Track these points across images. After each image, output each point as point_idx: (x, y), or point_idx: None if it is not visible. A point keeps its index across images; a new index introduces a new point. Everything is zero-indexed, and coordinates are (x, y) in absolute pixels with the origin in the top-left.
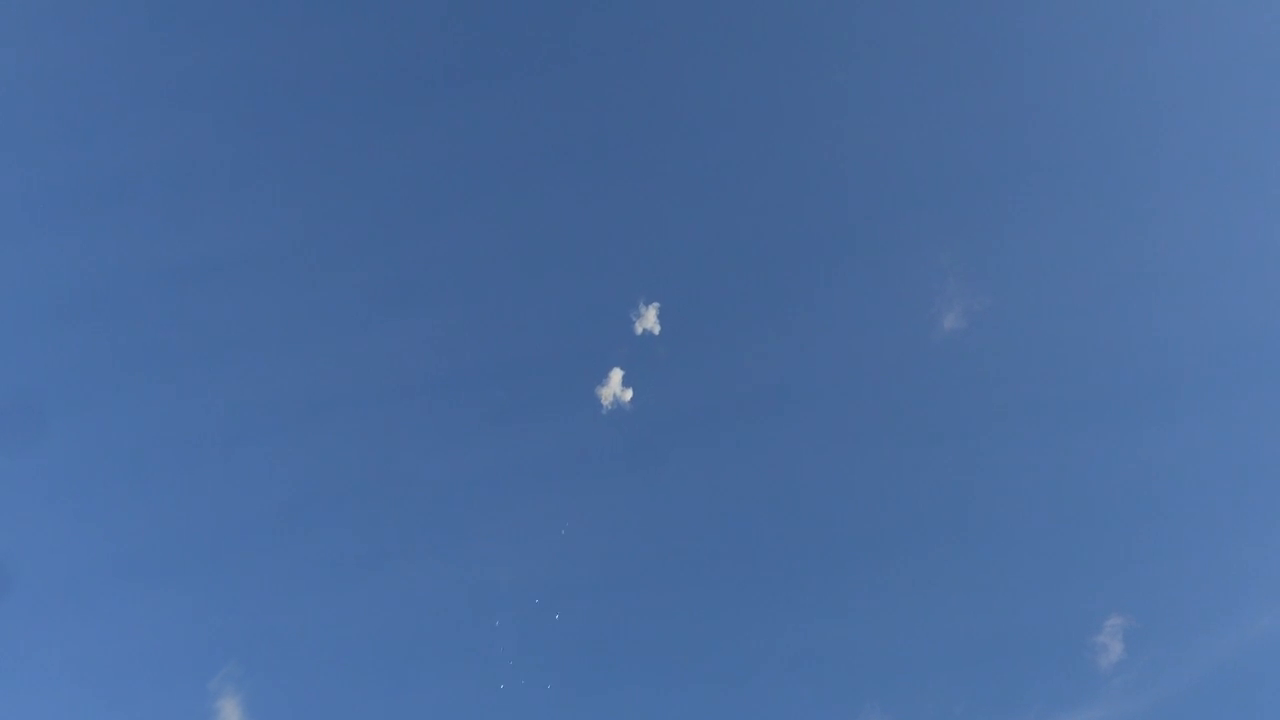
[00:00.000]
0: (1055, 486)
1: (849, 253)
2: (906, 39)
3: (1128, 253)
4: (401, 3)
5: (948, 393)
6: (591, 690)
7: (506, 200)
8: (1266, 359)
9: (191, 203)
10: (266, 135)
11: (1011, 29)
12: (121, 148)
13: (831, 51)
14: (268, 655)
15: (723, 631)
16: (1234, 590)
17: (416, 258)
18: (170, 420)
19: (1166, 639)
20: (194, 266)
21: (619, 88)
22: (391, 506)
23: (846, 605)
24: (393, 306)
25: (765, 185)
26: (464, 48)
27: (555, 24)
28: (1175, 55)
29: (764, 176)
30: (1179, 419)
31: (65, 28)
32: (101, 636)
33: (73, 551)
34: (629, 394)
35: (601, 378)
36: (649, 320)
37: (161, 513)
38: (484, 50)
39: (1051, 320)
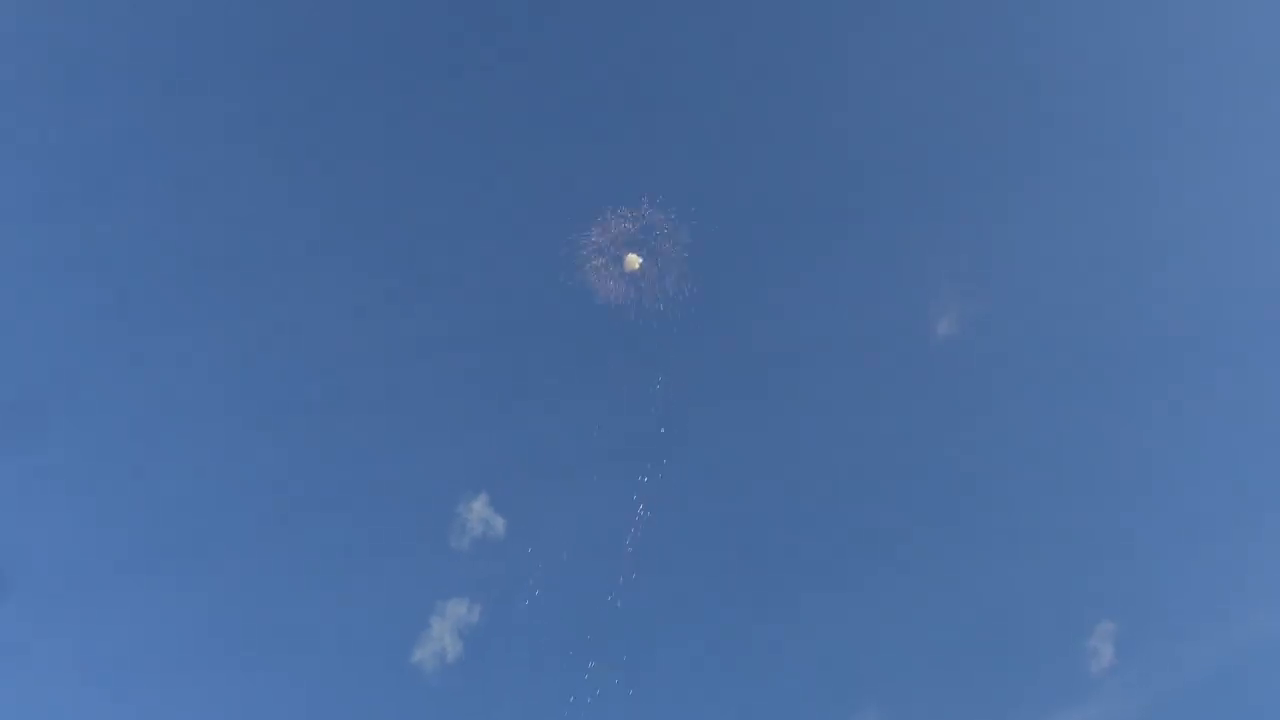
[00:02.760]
0: (1046, 491)
1: (843, 258)
2: (902, 44)
3: (1122, 259)
4: (400, 17)
5: (941, 398)
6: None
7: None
8: (1258, 365)
9: (188, 202)
10: (261, 137)
11: (1007, 34)
12: (121, 145)
13: (827, 57)
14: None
15: (717, 633)
16: (1223, 594)
17: (410, 256)
18: (168, 420)
19: (1156, 643)
20: (191, 264)
21: (614, 85)
22: (391, 503)
23: (841, 608)
24: (390, 303)
25: (760, 188)
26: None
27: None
28: (1172, 60)
29: (758, 178)
30: (1170, 424)
31: (68, 27)
32: (103, 634)
33: (73, 548)
34: None
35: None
36: None
37: (162, 511)
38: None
39: (1045, 326)
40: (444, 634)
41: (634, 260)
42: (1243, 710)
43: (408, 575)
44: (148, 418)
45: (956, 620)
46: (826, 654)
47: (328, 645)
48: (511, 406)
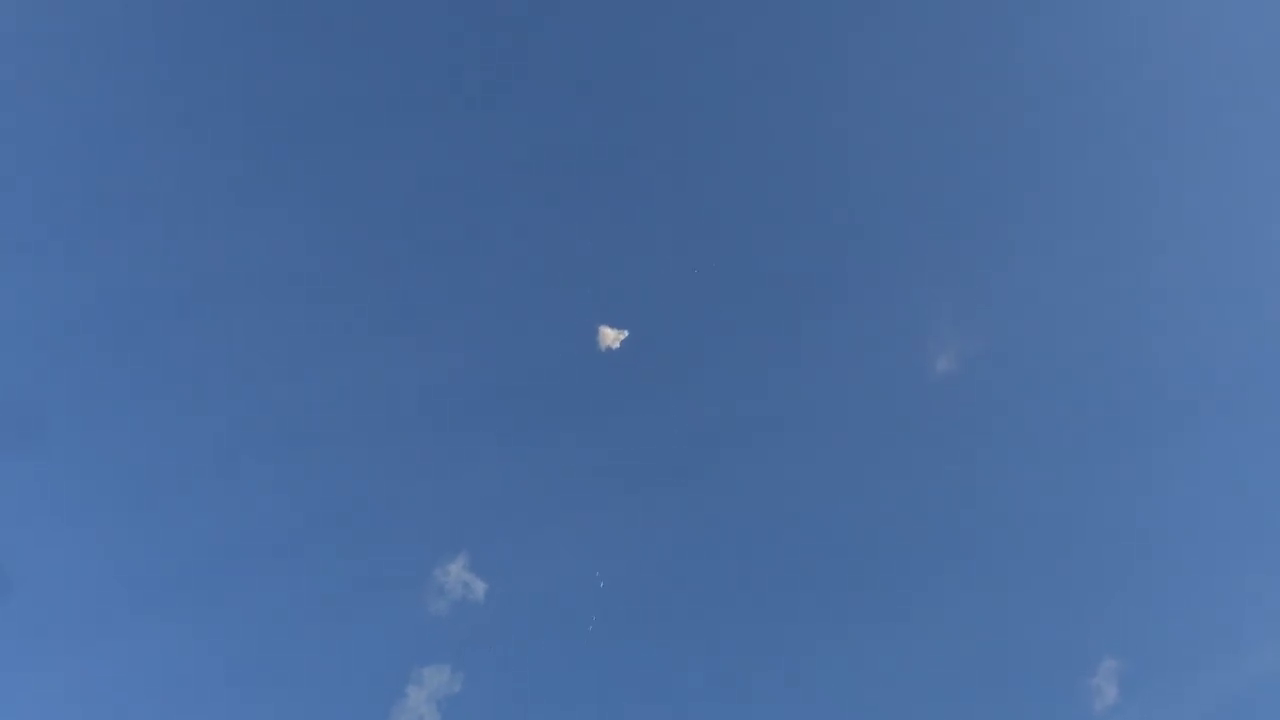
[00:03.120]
0: (1048, 529)
1: (840, 295)
2: (898, 76)
3: (1122, 296)
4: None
5: (940, 435)
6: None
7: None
8: (1259, 402)
9: (193, 223)
10: (264, 159)
11: (1003, 70)
12: (126, 166)
13: (824, 90)
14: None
15: (714, 671)
16: (1228, 629)
17: (415, 280)
18: (172, 440)
19: (1161, 680)
20: (195, 286)
21: (616, 115)
22: (393, 527)
23: (839, 646)
24: (393, 328)
25: (752, 225)
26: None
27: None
28: (1172, 94)
29: (755, 215)
30: (1173, 456)
31: (72, 45)
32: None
33: (76, 572)
34: None
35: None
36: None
37: (165, 533)
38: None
39: (1044, 363)
40: (420, 703)
41: (610, 335)
42: None
43: (383, 641)
44: (150, 438)
45: (959, 658)
46: (824, 695)
47: (301, 715)
48: (493, 464)
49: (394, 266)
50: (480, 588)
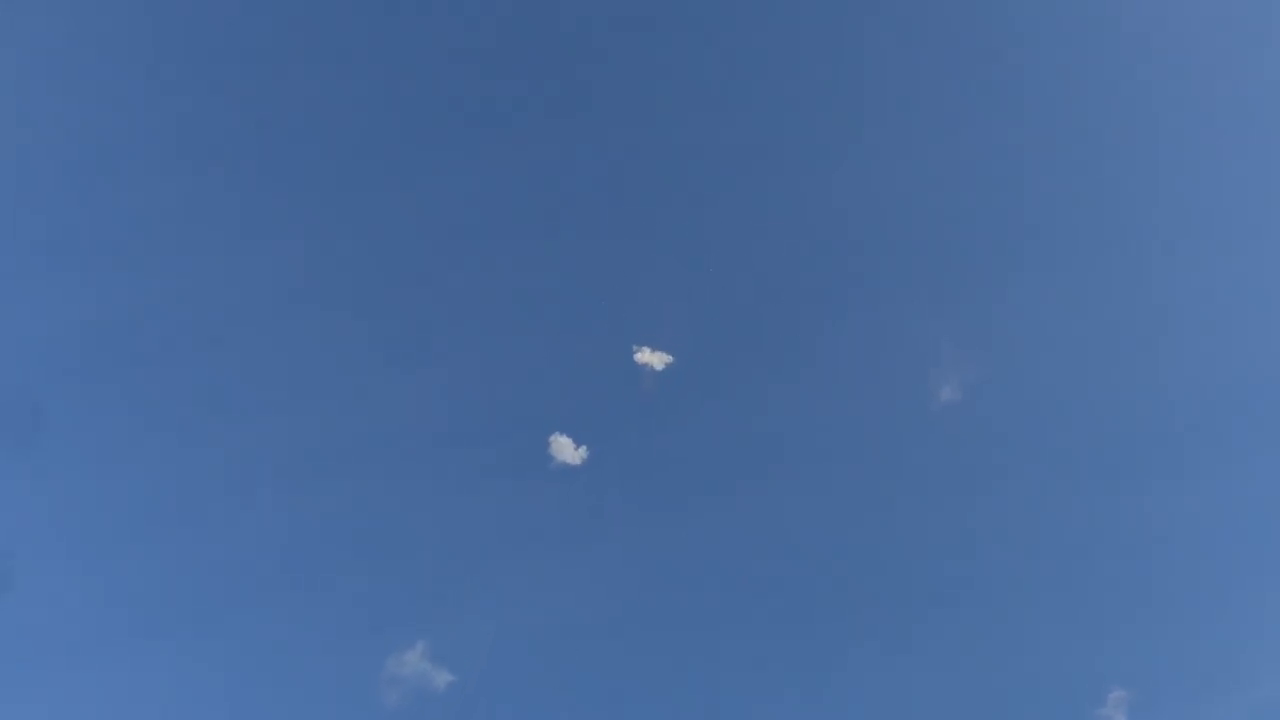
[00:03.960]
0: (1053, 559)
1: (843, 324)
2: (898, 109)
3: (1124, 323)
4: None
5: (945, 464)
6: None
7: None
8: (1266, 424)
9: (198, 250)
10: (271, 182)
11: (1004, 98)
12: (132, 194)
13: (826, 117)
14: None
15: (723, 703)
16: (1235, 658)
17: (415, 308)
18: (177, 470)
19: (1169, 710)
20: (199, 312)
21: (617, 157)
22: (395, 555)
23: (846, 680)
24: (394, 356)
25: (759, 253)
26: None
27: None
28: (1171, 122)
29: (758, 244)
30: (1178, 489)
31: (77, 65)
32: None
33: (79, 593)
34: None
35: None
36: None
37: (170, 562)
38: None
39: (1048, 390)
40: None
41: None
42: None
43: None
44: (155, 466)
45: (967, 689)
46: None
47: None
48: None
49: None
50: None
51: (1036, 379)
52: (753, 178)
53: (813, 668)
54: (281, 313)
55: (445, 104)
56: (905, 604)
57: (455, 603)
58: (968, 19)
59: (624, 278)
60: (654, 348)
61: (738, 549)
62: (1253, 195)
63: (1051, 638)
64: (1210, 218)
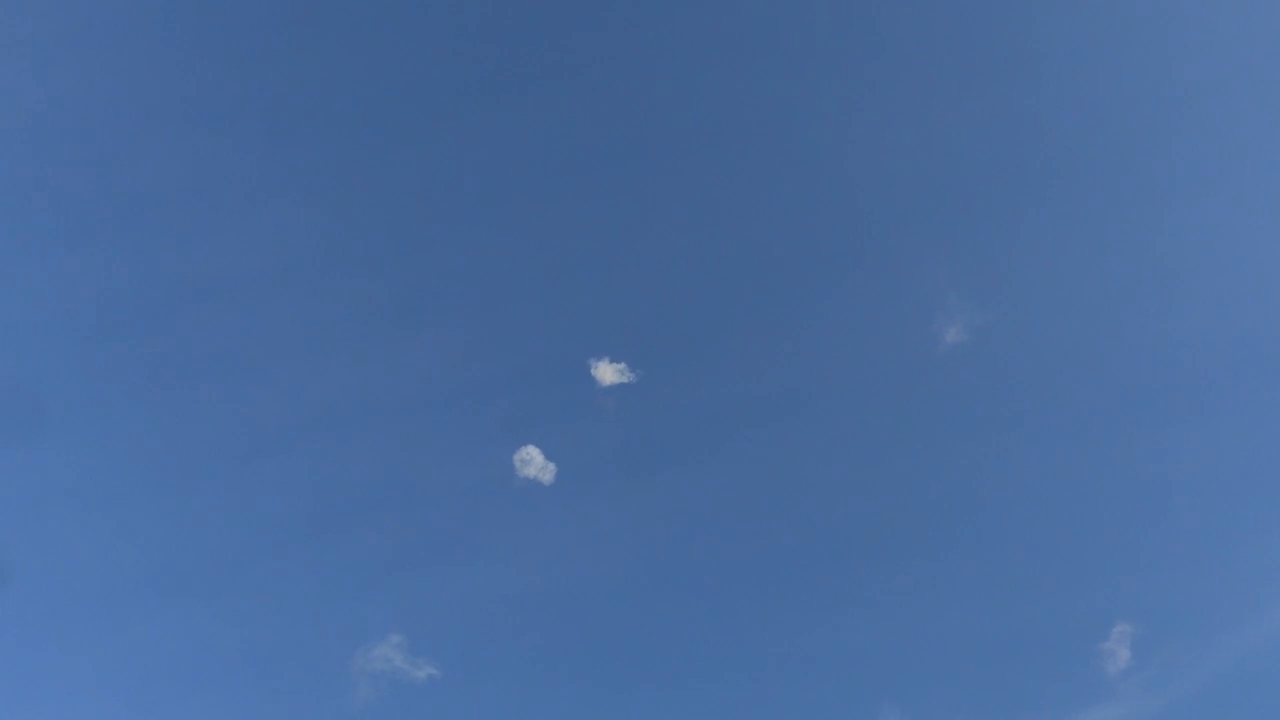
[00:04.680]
0: (1060, 495)
1: (851, 268)
2: (907, 53)
3: (1129, 263)
4: (412, 31)
5: (953, 404)
6: (608, 692)
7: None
8: (1267, 363)
9: (209, 217)
10: (278, 153)
11: (1012, 43)
12: (140, 162)
13: (832, 65)
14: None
15: (739, 635)
16: (1240, 593)
17: (421, 271)
18: (188, 431)
19: (1174, 644)
20: (207, 279)
21: (625, 89)
22: (405, 516)
23: (860, 612)
24: (401, 319)
25: (766, 199)
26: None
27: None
28: (1175, 67)
29: (765, 190)
30: (1181, 424)
31: (81, 43)
32: (119, 648)
33: (90, 562)
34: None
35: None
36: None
37: (179, 524)
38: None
39: (1054, 331)
40: None
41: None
42: (1261, 710)
43: None
44: (166, 429)
45: (974, 624)
46: (847, 657)
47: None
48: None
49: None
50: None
51: (1043, 320)
52: (756, 118)
53: (825, 605)
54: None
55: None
56: (915, 542)
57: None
58: None
59: (632, 214)
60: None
61: (755, 488)
62: (1262, 137)
63: (1057, 573)
64: (1219, 159)
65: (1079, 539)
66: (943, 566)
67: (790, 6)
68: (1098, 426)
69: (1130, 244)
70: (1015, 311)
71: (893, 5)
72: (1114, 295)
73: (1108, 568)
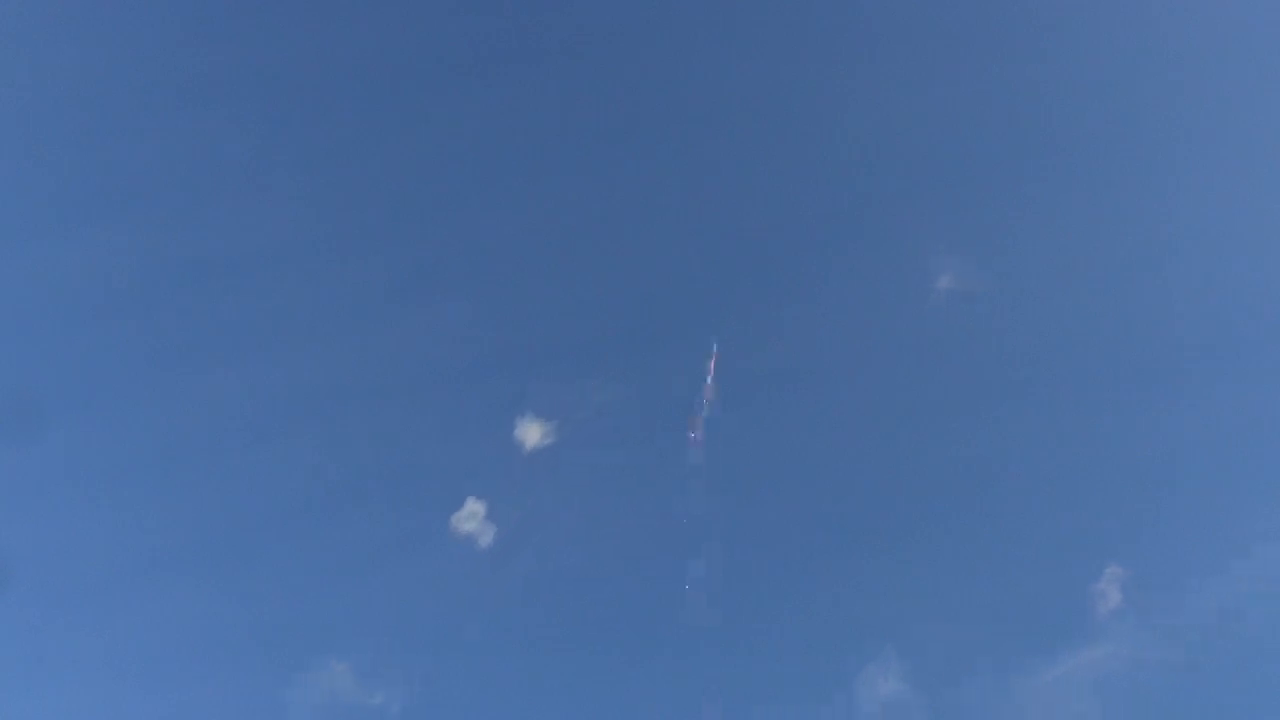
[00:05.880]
0: (1050, 437)
1: (840, 228)
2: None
3: (1122, 220)
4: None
5: (944, 355)
6: (603, 647)
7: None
8: (1261, 321)
9: (207, 196)
10: (279, 130)
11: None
12: (135, 142)
13: (820, 33)
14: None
15: (734, 591)
16: (1230, 535)
17: (425, 250)
18: (188, 414)
19: (1165, 585)
20: (207, 259)
21: (625, 73)
22: (408, 495)
23: (849, 555)
24: (403, 299)
25: (756, 166)
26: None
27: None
28: (1176, 33)
29: (755, 157)
30: (1175, 382)
31: (73, 25)
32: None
33: (88, 546)
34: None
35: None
36: None
37: (180, 507)
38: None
39: (1045, 280)
40: None
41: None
42: (1253, 649)
43: None
44: (167, 411)
45: (964, 566)
46: (838, 601)
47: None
48: None
49: None
50: None
51: (1034, 268)
52: (747, 79)
53: (813, 549)
54: None
55: None
56: (901, 484)
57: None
58: None
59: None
60: None
61: (741, 438)
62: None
63: (1047, 516)
64: (1219, 120)
65: (1069, 480)
66: (931, 510)
67: None
68: (1089, 369)
69: (1128, 203)
70: (1008, 260)
71: None
72: (1108, 240)
73: (1099, 509)
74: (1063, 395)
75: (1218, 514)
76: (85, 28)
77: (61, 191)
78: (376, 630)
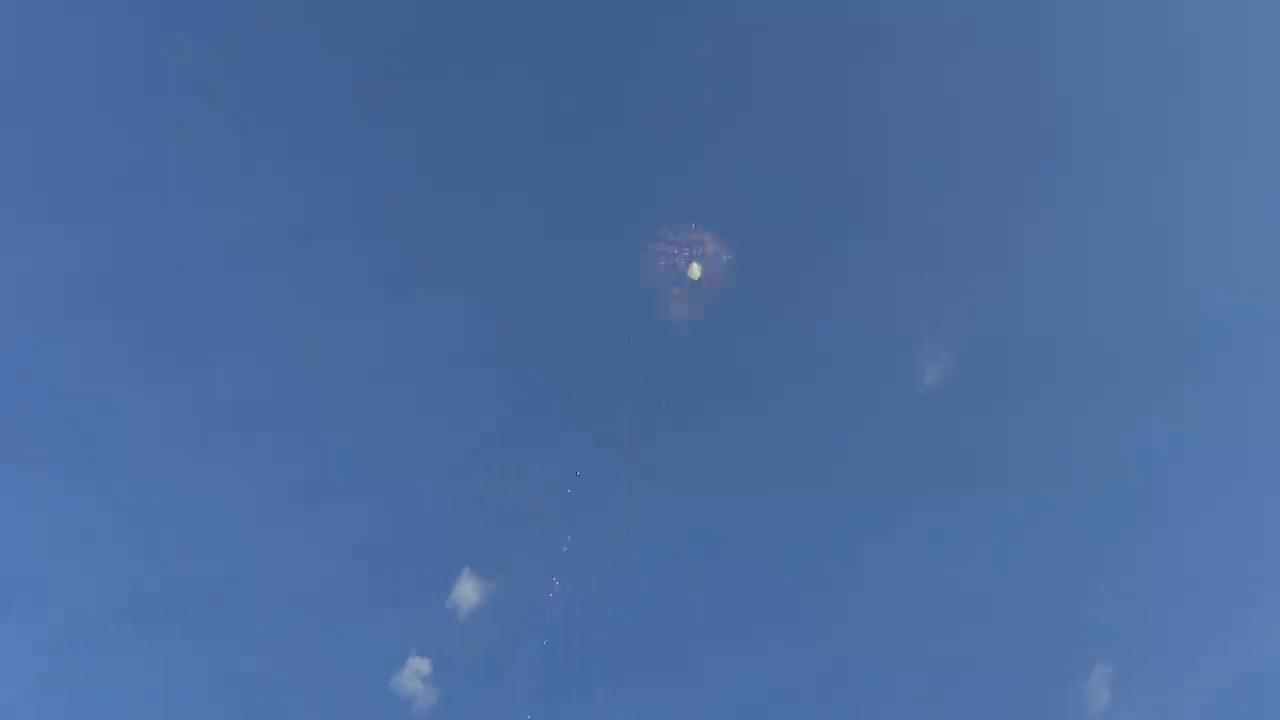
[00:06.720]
0: (1039, 535)
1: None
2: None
3: (1116, 272)
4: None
5: (929, 442)
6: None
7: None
8: (1245, 401)
9: (204, 187)
10: (274, 122)
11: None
12: (132, 133)
13: (816, 98)
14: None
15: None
16: (1217, 631)
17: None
18: (186, 404)
19: (1153, 683)
20: (200, 252)
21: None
22: (405, 488)
23: (836, 650)
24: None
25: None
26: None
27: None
28: (1162, 72)
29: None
30: (1160, 461)
31: (70, 18)
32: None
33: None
34: None
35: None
36: None
37: (178, 497)
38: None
39: (1033, 361)
40: None
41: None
42: None
43: None
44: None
45: (953, 665)
46: (817, 694)
47: None
48: None
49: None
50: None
51: (1020, 350)
52: (729, 141)
53: (801, 639)
54: None
55: None
56: (892, 579)
57: None
58: None
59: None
60: None
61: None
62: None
63: (1035, 614)
64: (1205, 158)
65: (1058, 578)
66: (919, 607)
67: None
68: (1079, 460)
69: (1119, 252)
70: (995, 340)
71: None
72: (1095, 306)
73: (1088, 607)
74: (1044, 489)
75: (1206, 606)
76: (74, 22)
77: (52, 184)
78: None
